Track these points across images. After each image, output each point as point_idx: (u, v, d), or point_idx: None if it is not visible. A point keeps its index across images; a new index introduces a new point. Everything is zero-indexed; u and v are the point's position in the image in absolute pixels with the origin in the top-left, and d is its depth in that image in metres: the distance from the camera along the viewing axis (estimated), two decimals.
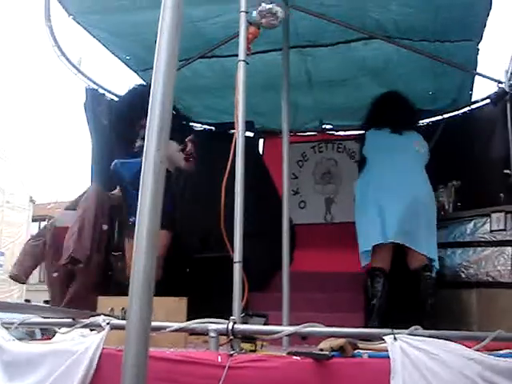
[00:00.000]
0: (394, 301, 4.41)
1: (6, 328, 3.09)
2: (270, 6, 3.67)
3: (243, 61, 2.96)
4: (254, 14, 3.81)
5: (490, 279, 4.49)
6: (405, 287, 4.55)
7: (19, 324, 3.10)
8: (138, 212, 1.56)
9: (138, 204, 1.56)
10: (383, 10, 4.48)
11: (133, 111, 4.45)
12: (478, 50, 4.86)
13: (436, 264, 4.36)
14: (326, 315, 4.81)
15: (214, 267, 5.00)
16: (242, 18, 3.05)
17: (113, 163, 4.50)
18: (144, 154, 1.57)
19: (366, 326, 4.17)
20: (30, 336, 7.72)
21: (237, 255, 2.74)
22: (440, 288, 4.54)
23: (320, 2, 4.31)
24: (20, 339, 3.19)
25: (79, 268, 4.34)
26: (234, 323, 2.53)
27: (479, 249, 4.63)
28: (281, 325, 3.52)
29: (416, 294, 4.43)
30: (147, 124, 1.60)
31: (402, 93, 4.88)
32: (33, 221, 31.22)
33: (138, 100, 4.39)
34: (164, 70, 1.65)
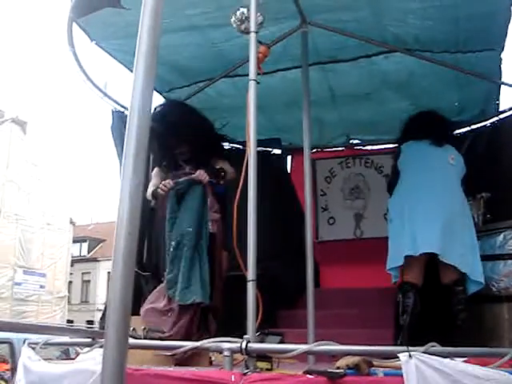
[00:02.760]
0: (425, 316, 4.33)
1: (32, 348, 3.16)
2: (245, 10, 3.60)
3: (254, 80, 2.97)
4: (233, 18, 3.77)
5: None
6: (437, 302, 4.48)
7: (43, 344, 3.16)
8: (115, 237, 1.56)
9: (115, 229, 1.57)
10: (401, 24, 4.46)
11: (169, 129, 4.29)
12: (501, 59, 4.80)
13: (478, 279, 4.21)
14: (357, 331, 4.78)
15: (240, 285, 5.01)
16: (252, 38, 3.07)
17: None
18: (120, 180, 1.58)
19: (395, 343, 4.12)
20: (65, 354, 7.96)
21: (250, 274, 2.74)
22: (471, 302, 4.46)
23: (338, 18, 4.33)
24: (57, 357, 3.24)
25: None
26: (248, 342, 2.53)
27: (509, 262, 4.52)
28: (306, 343, 3.50)
29: (448, 310, 4.35)
30: (124, 149, 1.60)
31: (438, 111, 4.83)
32: (73, 242, 31.91)
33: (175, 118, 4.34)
34: (140, 96, 1.67)
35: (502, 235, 4.61)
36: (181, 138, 4.31)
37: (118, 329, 1.40)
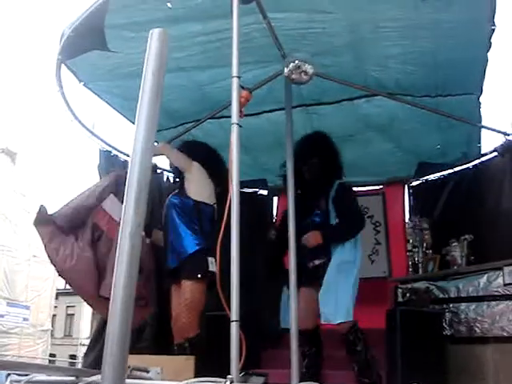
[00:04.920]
0: None
1: None
2: (300, 63, 4.17)
3: (236, 124, 3.03)
4: (286, 70, 4.21)
5: (506, 334, 4.38)
6: None
7: (25, 382, 3.13)
8: (114, 274, 1.57)
9: (115, 266, 1.58)
10: (383, 69, 4.58)
11: None
12: (480, 103, 4.91)
13: None
14: (338, 372, 4.74)
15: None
16: (235, 82, 3.13)
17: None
18: (122, 216, 1.60)
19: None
20: None
21: (233, 314, 2.74)
22: (455, 344, 4.46)
23: (320, 62, 4.40)
24: None
25: None
26: (232, 382, 2.52)
27: (493, 303, 4.54)
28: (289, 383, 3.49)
29: None
30: (126, 189, 1.63)
31: None
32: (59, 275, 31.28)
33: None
34: (143, 137, 1.70)
35: (485, 276, 4.64)
36: None
37: (114, 368, 1.40)
